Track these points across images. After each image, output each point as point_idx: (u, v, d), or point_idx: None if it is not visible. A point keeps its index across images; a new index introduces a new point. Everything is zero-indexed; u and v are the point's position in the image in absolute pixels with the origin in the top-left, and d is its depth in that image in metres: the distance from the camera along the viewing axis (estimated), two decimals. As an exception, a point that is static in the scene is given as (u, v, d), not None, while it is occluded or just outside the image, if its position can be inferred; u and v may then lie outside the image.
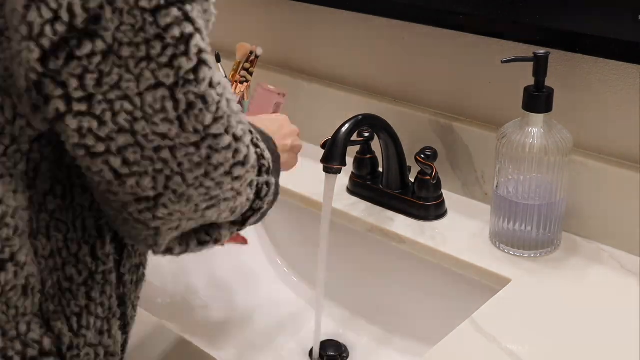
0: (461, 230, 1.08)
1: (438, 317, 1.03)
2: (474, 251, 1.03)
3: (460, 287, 1.03)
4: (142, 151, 0.56)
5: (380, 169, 1.17)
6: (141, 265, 0.73)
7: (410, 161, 1.13)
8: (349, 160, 1.13)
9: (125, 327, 0.71)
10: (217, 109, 0.57)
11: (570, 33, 0.97)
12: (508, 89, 1.06)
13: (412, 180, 1.13)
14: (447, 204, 1.13)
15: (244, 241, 1.13)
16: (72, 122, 0.54)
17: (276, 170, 0.74)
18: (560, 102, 0.98)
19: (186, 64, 0.55)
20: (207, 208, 0.62)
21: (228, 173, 0.60)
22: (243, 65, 1.33)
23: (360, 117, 1.06)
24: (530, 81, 0.96)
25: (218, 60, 1.34)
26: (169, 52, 0.54)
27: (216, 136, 0.58)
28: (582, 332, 0.88)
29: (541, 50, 0.95)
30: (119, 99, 0.54)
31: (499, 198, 1.02)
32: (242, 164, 0.61)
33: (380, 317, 1.13)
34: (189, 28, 0.54)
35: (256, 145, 0.67)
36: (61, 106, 0.54)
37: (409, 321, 1.10)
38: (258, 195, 0.68)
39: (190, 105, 0.55)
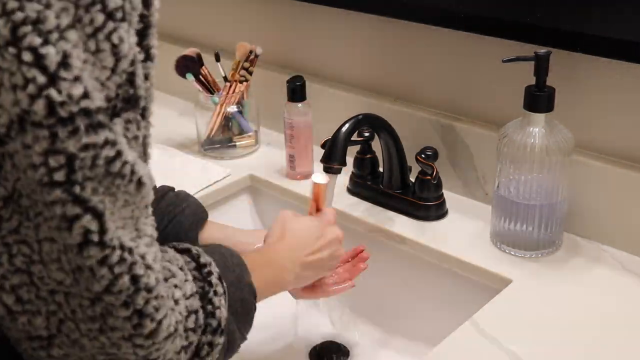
0: (462, 230, 1.08)
1: (439, 318, 1.03)
2: (475, 251, 1.03)
3: (461, 288, 1.02)
4: (37, 291, 0.55)
5: (381, 169, 1.17)
6: None
7: (410, 161, 1.13)
8: (349, 160, 1.12)
9: None
10: (110, 285, 0.55)
11: (571, 32, 0.96)
12: (509, 89, 1.06)
13: (413, 180, 1.13)
14: (448, 204, 1.13)
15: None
16: None
17: (240, 320, 0.73)
18: (562, 101, 0.98)
19: (69, 239, 0.53)
20: None
21: (127, 339, 0.57)
22: (243, 65, 1.33)
23: (361, 116, 1.06)
24: (532, 81, 0.96)
25: (217, 59, 1.34)
26: (53, 223, 0.53)
27: (112, 304, 0.56)
28: (583, 333, 0.88)
29: (542, 50, 0.94)
30: (16, 243, 0.54)
31: (500, 198, 1.01)
32: (147, 337, 0.58)
33: (381, 317, 1.13)
34: (73, 210, 0.52)
35: (209, 302, 0.66)
36: None
37: (410, 322, 1.10)
38: (197, 354, 0.66)
39: (78, 269, 0.54)
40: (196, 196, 1.20)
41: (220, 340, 0.67)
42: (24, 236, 0.54)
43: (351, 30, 1.25)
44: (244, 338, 0.74)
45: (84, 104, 0.51)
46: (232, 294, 0.71)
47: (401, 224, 1.11)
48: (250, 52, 1.32)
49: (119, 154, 0.54)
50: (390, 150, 1.12)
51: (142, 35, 0.57)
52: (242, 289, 0.73)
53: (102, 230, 0.54)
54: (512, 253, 1.02)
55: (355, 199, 1.18)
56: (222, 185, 1.25)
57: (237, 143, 1.34)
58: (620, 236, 1.01)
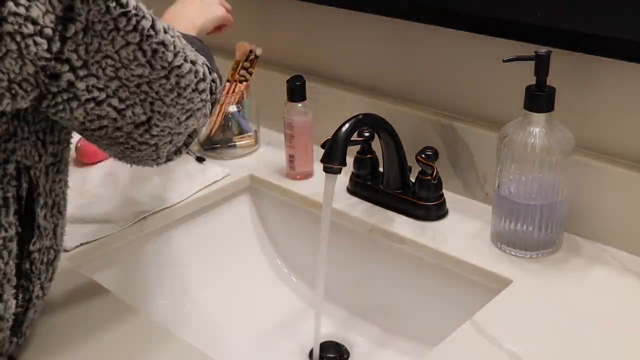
0: (462, 230, 1.08)
1: (439, 318, 1.03)
2: (475, 252, 1.02)
3: (461, 288, 1.02)
4: (129, 89, 0.74)
5: (381, 169, 1.17)
6: (52, 248, 0.82)
7: (410, 161, 1.12)
8: (349, 160, 1.12)
9: (24, 301, 0.80)
10: (174, 46, 0.75)
11: (572, 32, 0.96)
12: (509, 89, 1.05)
13: (413, 180, 1.13)
14: (448, 204, 1.12)
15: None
16: (80, 85, 0.71)
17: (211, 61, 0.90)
18: (562, 101, 0.98)
19: (146, 23, 0.71)
20: (187, 119, 0.82)
21: (195, 90, 0.80)
22: (243, 65, 1.32)
23: (361, 116, 1.06)
24: (532, 80, 0.95)
25: None
26: (133, 21, 0.70)
27: (179, 67, 0.77)
28: (584, 333, 0.88)
29: (543, 50, 0.94)
30: (103, 58, 0.71)
31: (500, 198, 1.01)
32: (203, 79, 0.81)
33: (381, 318, 1.13)
34: None
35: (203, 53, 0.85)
36: (71, 77, 0.69)
37: (410, 322, 1.10)
38: (212, 91, 0.85)
39: (155, 52, 0.73)
40: (195, 196, 1.21)
41: (216, 76, 0.87)
42: (106, 52, 0.70)
43: (351, 30, 1.25)
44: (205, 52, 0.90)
45: None
46: (192, 43, 0.85)
47: (401, 224, 1.11)
48: (250, 52, 1.32)
49: None
50: (390, 150, 1.12)
51: None
52: (192, 40, 0.88)
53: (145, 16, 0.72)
54: (513, 253, 1.01)
55: (355, 199, 1.18)
56: (222, 185, 1.24)
57: (237, 143, 1.34)
58: (621, 236, 1.01)
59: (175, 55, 0.76)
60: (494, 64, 1.06)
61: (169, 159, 0.89)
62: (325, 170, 1.02)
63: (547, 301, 0.93)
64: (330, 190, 1.02)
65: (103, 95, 0.73)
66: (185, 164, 1.31)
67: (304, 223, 1.21)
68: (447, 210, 1.12)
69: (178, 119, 0.81)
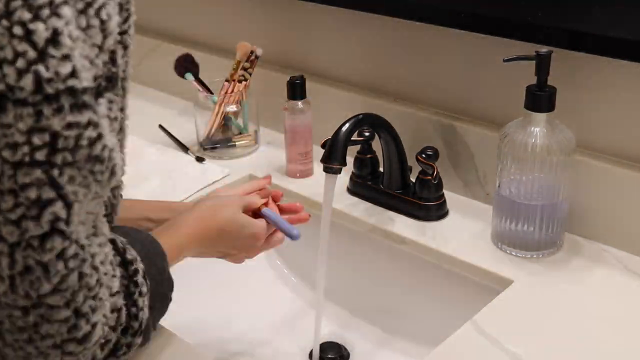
0: (462, 230, 1.08)
1: (439, 319, 1.02)
2: (476, 252, 1.02)
3: (461, 288, 1.02)
4: None
5: (381, 169, 1.17)
6: None
7: (411, 161, 1.12)
8: (349, 160, 1.12)
9: None
10: (61, 281, 0.55)
11: (573, 31, 0.96)
12: (510, 88, 1.05)
13: (413, 180, 1.13)
14: (449, 204, 1.12)
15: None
16: None
17: (157, 316, 0.73)
18: (563, 101, 0.97)
19: (33, 229, 0.52)
20: None
21: (58, 346, 0.57)
22: (243, 65, 1.32)
23: (361, 116, 1.06)
24: (533, 80, 0.95)
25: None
26: (19, 211, 0.51)
27: (52, 307, 0.55)
28: (585, 334, 0.87)
29: (543, 49, 0.94)
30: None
31: (500, 198, 1.01)
32: (79, 341, 0.58)
33: (381, 318, 1.13)
34: (49, 194, 0.52)
35: (134, 304, 0.65)
36: None
37: (410, 322, 1.09)
38: (114, 353, 0.65)
39: (27, 269, 0.53)
40: (195, 196, 1.20)
41: (139, 340, 0.67)
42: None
43: (351, 30, 1.25)
44: (154, 330, 0.73)
45: (71, 82, 0.51)
46: (153, 289, 0.69)
47: (401, 224, 1.10)
48: (251, 52, 1.32)
49: (100, 136, 0.54)
50: (391, 150, 1.11)
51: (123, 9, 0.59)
52: (163, 283, 0.73)
53: (68, 222, 0.53)
54: (513, 253, 1.01)
55: (355, 199, 1.18)
56: (222, 185, 1.24)
57: (237, 143, 1.34)
58: (622, 236, 1.00)
59: (55, 291, 0.55)
60: (494, 63, 1.06)
61: None
62: (326, 170, 1.02)
63: (547, 301, 0.93)
64: (330, 190, 1.02)
65: None
66: (185, 164, 1.31)
67: (304, 223, 1.20)
68: (448, 211, 1.12)
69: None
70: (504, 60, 0.95)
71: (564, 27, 0.96)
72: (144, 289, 0.67)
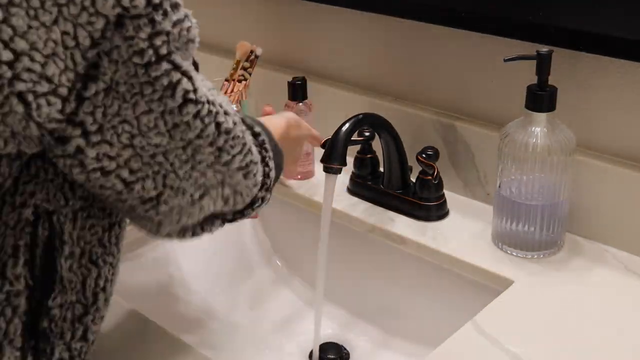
0: (463, 231, 1.07)
1: (439, 319, 1.02)
2: (476, 252, 1.02)
3: (462, 289, 1.02)
4: (142, 159, 0.65)
5: (381, 169, 1.17)
6: (80, 303, 0.70)
7: (411, 161, 1.12)
8: (350, 160, 1.12)
9: None
10: (202, 130, 0.67)
11: (573, 31, 0.96)
12: (511, 88, 1.05)
13: (414, 180, 1.12)
14: (449, 205, 1.12)
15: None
16: (90, 152, 0.62)
17: (278, 174, 0.85)
18: (564, 101, 0.97)
19: (172, 103, 0.64)
20: (201, 197, 0.71)
21: (210, 166, 0.71)
22: (242, 65, 1.32)
23: (361, 116, 1.05)
24: (533, 80, 0.95)
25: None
26: (157, 95, 0.63)
27: (201, 145, 0.68)
28: (586, 334, 0.87)
29: (544, 49, 0.94)
30: (120, 123, 0.63)
31: (501, 198, 1.00)
32: (224, 164, 0.72)
33: (381, 318, 1.13)
34: (176, 76, 0.63)
35: (266, 164, 0.79)
36: (81, 143, 0.62)
37: (410, 323, 1.09)
38: (252, 205, 0.80)
39: (175, 126, 0.65)
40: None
41: (269, 196, 0.82)
42: (125, 116, 0.62)
43: (351, 29, 1.24)
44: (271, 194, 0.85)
45: None
46: (274, 158, 0.81)
47: (402, 224, 1.10)
48: (251, 52, 1.31)
49: (190, 22, 0.66)
50: (391, 150, 1.11)
51: None
52: (278, 154, 0.84)
53: (195, 89, 0.65)
54: (514, 254, 1.01)
55: (355, 199, 1.18)
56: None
57: (237, 143, 1.33)
58: (623, 236, 1.00)
59: (199, 137, 0.68)
60: (495, 63, 1.06)
61: (168, 236, 0.76)
62: (325, 170, 1.02)
63: (548, 302, 0.92)
64: (330, 190, 1.02)
65: (113, 165, 0.64)
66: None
67: (304, 223, 1.20)
68: (448, 211, 1.12)
69: (191, 195, 0.71)
70: (505, 60, 0.95)
71: (565, 27, 0.96)
72: (271, 154, 0.80)
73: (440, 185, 1.10)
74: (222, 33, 1.48)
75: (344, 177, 1.16)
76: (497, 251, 1.02)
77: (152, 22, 0.61)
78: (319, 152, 1.05)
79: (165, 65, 0.62)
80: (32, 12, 0.57)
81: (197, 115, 0.66)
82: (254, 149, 0.76)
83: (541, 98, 0.94)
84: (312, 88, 1.23)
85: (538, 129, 0.95)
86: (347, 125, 1.03)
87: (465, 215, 1.11)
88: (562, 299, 0.93)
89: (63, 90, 0.59)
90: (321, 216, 1.02)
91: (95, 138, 0.62)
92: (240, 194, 0.76)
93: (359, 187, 1.18)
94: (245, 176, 0.75)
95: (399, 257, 1.09)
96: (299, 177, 1.24)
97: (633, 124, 0.97)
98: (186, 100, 0.65)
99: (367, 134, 1.16)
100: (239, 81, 1.32)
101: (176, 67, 0.63)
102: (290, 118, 1.01)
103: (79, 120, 0.61)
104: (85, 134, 0.61)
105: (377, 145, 1.15)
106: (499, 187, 1.01)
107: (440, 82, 1.16)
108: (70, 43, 0.58)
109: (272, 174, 0.81)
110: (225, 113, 0.70)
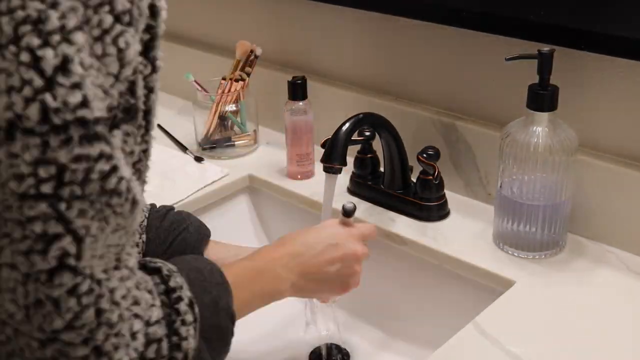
0: (464, 231, 1.07)
1: (440, 320, 1.02)
2: (477, 253, 1.01)
3: (463, 289, 1.01)
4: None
5: (382, 169, 1.16)
6: None
7: (412, 161, 1.12)
8: (350, 159, 1.11)
9: None
10: (75, 318, 0.52)
11: (575, 30, 0.95)
12: (512, 87, 1.05)
13: (414, 180, 1.12)
14: (450, 205, 1.11)
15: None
16: None
17: (215, 348, 0.68)
18: (565, 100, 0.97)
19: (41, 263, 0.50)
20: None
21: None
22: (242, 64, 1.32)
23: (361, 115, 1.05)
24: (535, 79, 0.94)
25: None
26: (26, 243, 0.50)
27: (68, 344, 0.53)
28: (588, 335, 0.86)
29: (546, 48, 0.93)
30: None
31: (502, 198, 1.00)
32: None
33: (382, 319, 1.12)
34: (55, 228, 0.50)
35: (175, 333, 0.61)
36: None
37: (411, 324, 1.09)
38: None
39: (38, 303, 0.51)
40: (194, 196, 1.20)
41: None
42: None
43: (352, 29, 1.24)
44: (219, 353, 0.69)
45: (81, 113, 0.49)
46: (206, 320, 0.66)
47: (402, 225, 1.10)
48: (251, 52, 1.31)
49: (114, 169, 0.51)
50: (392, 149, 1.11)
51: (148, 46, 0.56)
52: (218, 313, 0.68)
53: (78, 257, 0.51)
54: (515, 254, 1.00)
55: (355, 199, 1.17)
56: (221, 185, 1.23)
57: (236, 142, 1.33)
58: (625, 237, 1.00)
59: (69, 328, 0.52)
60: (496, 62, 1.05)
61: None
62: (326, 170, 1.01)
63: (550, 303, 0.92)
64: (330, 190, 1.01)
65: None
66: (184, 164, 1.30)
67: (303, 223, 1.19)
68: (449, 211, 1.11)
69: None
70: (506, 59, 0.94)
71: (567, 26, 0.96)
72: (189, 318, 0.63)
73: (441, 185, 1.10)
74: (222, 32, 1.48)
75: (344, 177, 1.15)
76: (498, 252, 1.02)
77: (44, 145, 0.48)
78: (319, 152, 1.05)
79: (43, 208, 0.49)
80: None
81: (72, 291, 0.51)
82: (153, 330, 0.59)
83: (542, 97, 0.94)
84: (312, 87, 1.23)
85: (539, 129, 0.95)
86: (347, 124, 1.03)
87: (466, 216, 1.10)
88: (564, 299, 0.92)
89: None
90: (321, 216, 1.02)
91: None
92: None
93: (359, 187, 1.18)
94: None
95: (399, 257, 1.08)
96: (299, 177, 1.23)
97: (635, 123, 0.97)
98: (61, 266, 0.50)
99: (367, 133, 1.15)
100: (237, 81, 1.31)
101: (60, 217, 0.49)
102: (328, 246, 0.84)
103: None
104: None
105: (377, 145, 1.14)
106: (500, 187, 1.00)
107: (441, 82, 1.15)
108: None
109: (187, 344, 0.62)
110: (114, 302, 0.54)
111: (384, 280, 1.12)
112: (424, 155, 1.07)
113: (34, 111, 0.47)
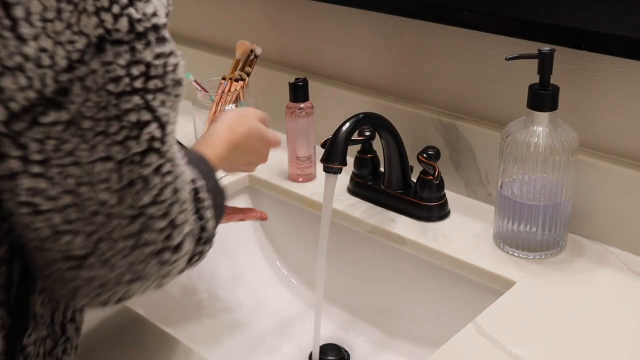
0: (464, 231, 1.07)
1: (440, 320, 1.02)
2: (478, 253, 1.01)
3: (463, 290, 1.01)
4: (81, 212, 0.59)
5: (382, 169, 1.16)
6: (50, 337, 0.68)
7: (412, 161, 1.11)
8: (350, 159, 1.11)
9: None
10: (158, 194, 0.62)
11: (575, 30, 0.95)
12: (512, 87, 1.04)
13: (414, 180, 1.12)
14: (450, 205, 1.11)
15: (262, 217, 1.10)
16: (25, 182, 0.57)
17: (217, 223, 0.77)
18: (566, 100, 0.97)
19: (135, 147, 0.59)
20: (131, 282, 0.64)
21: (156, 254, 0.64)
22: (242, 64, 1.31)
23: (361, 115, 1.05)
24: (535, 79, 0.94)
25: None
26: (121, 135, 0.59)
27: (151, 217, 0.62)
28: (588, 336, 0.86)
29: (546, 47, 0.93)
30: (71, 165, 0.58)
31: (503, 198, 1.00)
32: (173, 250, 0.65)
33: (382, 320, 1.12)
34: (146, 116, 0.59)
35: (201, 217, 0.71)
36: (16, 166, 0.56)
37: (411, 324, 1.09)
38: (189, 261, 0.72)
39: (130, 183, 0.60)
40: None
41: (208, 248, 0.74)
42: (78, 157, 0.57)
43: (352, 28, 1.24)
44: (215, 236, 0.78)
45: (154, 20, 0.59)
46: (213, 202, 0.75)
47: (402, 225, 1.09)
48: (251, 51, 1.31)
49: (178, 62, 0.62)
50: (392, 149, 1.10)
51: None
52: (219, 195, 0.79)
53: (163, 141, 0.61)
54: (516, 254, 1.00)
55: (355, 199, 1.17)
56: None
57: (236, 143, 1.33)
58: (626, 237, 1.00)
59: (154, 203, 0.62)
60: (496, 62, 1.05)
61: (81, 305, 0.69)
62: (326, 170, 1.01)
63: (550, 303, 0.92)
64: (330, 190, 1.01)
65: (47, 206, 0.58)
66: (184, 163, 1.30)
67: (303, 223, 1.20)
68: (449, 211, 1.11)
69: (121, 274, 0.63)
70: (507, 59, 0.94)
71: (567, 25, 0.96)
72: (208, 202, 0.72)
73: (441, 185, 1.10)
74: (222, 32, 1.47)
75: (344, 177, 1.15)
76: (498, 252, 1.02)
77: (133, 50, 0.58)
78: (320, 152, 1.05)
79: (137, 100, 0.59)
80: (7, 23, 0.53)
81: (157, 170, 0.61)
82: (191, 217, 0.68)
83: (543, 97, 0.94)
84: (313, 87, 1.23)
85: (540, 129, 0.94)
86: (347, 124, 1.02)
87: (467, 216, 1.10)
88: (565, 300, 0.92)
89: (14, 106, 0.54)
90: (321, 216, 1.02)
91: (35, 169, 0.56)
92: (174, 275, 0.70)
93: (360, 187, 1.17)
94: (189, 262, 0.70)
95: (399, 257, 1.08)
96: (301, 179, 1.23)
97: (636, 123, 0.97)
98: (150, 149, 0.60)
99: (367, 133, 1.15)
100: (237, 80, 1.31)
101: (148, 106, 0.59)
102: (252, 129, 0.96)
103: (22, 142, 0.55)
104: (25, 160, 0.56)
105: (377, 145, 1.14)
106: (501, 187, 1.00)
107: (441, 81, 1.15)
108: (46, 62, 0.54)
109: (209, 225, 0.73)
110: (185, 182, 0.66)
111: (384, 280, 1.12)
112: (424, 155, 1.07)
113: (124, 23, 0.57)
